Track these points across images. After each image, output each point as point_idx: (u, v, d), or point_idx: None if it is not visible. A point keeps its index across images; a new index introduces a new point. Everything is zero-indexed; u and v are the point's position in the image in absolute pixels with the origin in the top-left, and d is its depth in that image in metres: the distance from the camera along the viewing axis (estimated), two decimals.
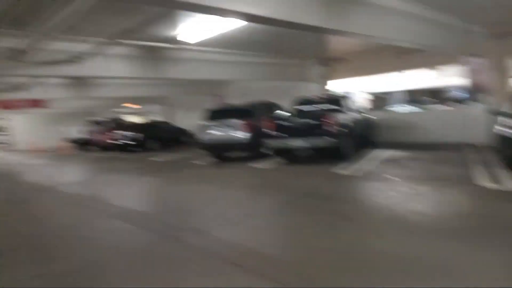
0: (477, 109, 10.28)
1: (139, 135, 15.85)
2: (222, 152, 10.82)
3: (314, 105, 9.78)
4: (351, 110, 9.56)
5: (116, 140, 16.23)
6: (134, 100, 23.56)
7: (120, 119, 22.21)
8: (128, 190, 7.63)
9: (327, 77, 15.16)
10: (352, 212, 4.67)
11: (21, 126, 26.73)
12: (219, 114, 10.50)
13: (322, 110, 9.36)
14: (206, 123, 10.47)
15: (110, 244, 4.06)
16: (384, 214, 4.52)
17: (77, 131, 19.84)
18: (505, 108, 7.29)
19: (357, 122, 9.55)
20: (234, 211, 5.12)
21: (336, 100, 9.63)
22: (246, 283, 2.83)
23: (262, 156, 9.75)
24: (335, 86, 15.53)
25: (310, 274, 2.94)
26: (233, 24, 8.37)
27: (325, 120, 8.24)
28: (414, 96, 26.75)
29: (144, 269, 3.25)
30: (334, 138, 8.10)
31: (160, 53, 10.99)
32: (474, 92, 11.21)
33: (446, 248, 3.24)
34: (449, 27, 10.09)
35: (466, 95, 11.40)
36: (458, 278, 2.70)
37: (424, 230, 3.78)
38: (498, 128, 7.04)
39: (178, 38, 9.39)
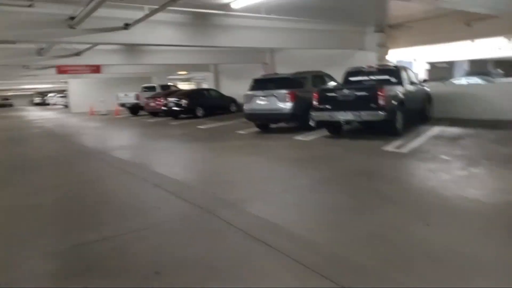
0: None
1: (188, 102, 16.21)
2: (265, 123, 10.69)
3: (365, 76, 9.22)
4: (405, 82, 8.88)
5: (165, 106, 16.72)
6: (183, 67, 23.84)
7: (170, 86, 22.78)
8: (170, 158, 7.84)
9: (386, 45, 13.98)
10: (396, 193, 4.37)
11: (79, 90, 28.18)
12: (265, 84, 10.30)
13: (373, 81, 8.83)
14: (251, 92, 10.32)
15: (147, 214, 4.17)
16: (431, 198, 4.17)
17: (129, 96, 20.56)
18: None
19: (412, 95, 8.89)
20: (272, 186, 5.02)
21: (389, 71, 9.02)
22: (271, 263, 2.73)
23: (307, 129, 9.48)
24: (394, 55, 14.40)
25: (342, 258, 2.78)
26: None
27: (375, 92, 7.72)
28: (480, 67, 24.09)
29: (181, 240, 3.29)
30: (384, 112, 7.57)
31: (208, 20, 10.79)
32: None
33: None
34: None
35: None
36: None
37: (474, 218, 3.43)
38: None
39: (232, 6, 9.12)
